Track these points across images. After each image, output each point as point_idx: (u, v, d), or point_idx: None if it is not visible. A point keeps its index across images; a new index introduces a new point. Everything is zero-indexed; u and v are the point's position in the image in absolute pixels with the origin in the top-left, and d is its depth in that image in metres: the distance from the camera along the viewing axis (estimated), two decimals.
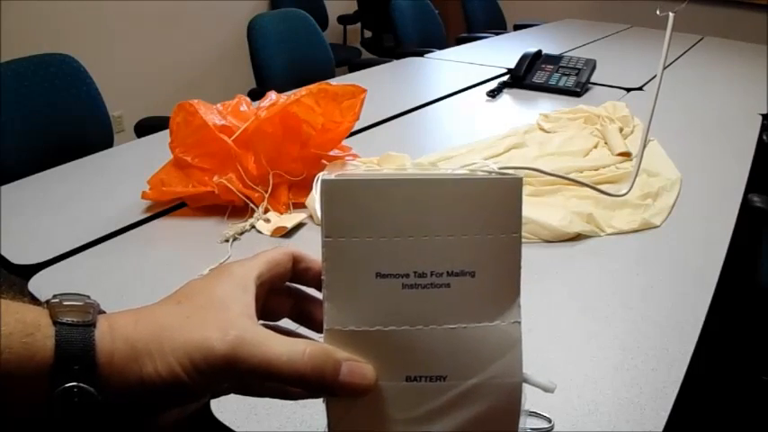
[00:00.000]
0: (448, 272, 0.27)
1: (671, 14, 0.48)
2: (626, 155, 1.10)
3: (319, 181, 0.27)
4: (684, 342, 0.63)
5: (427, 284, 0.27)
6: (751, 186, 1.05)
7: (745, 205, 1.00)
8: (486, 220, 0.27)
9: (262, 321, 0.29)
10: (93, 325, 0.24)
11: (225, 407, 0.54)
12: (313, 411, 0.53)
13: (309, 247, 0.34)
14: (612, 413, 0.54)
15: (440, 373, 0.27)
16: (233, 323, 0.26)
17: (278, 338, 0.26)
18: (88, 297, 0.26)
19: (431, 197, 0.27)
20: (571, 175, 1.00)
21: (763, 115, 1.41)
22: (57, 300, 0.25)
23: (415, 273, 0.27)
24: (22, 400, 0.23)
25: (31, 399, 0.23)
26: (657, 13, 0.49)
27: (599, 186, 0.97)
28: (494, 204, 0.27)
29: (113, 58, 2.58)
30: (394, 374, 0.27)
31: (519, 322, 0.28)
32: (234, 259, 0.77)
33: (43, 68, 1.30)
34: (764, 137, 1.29)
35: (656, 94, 0.43)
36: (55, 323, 0.24)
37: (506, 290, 0.27)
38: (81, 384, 0.23)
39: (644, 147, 0.40)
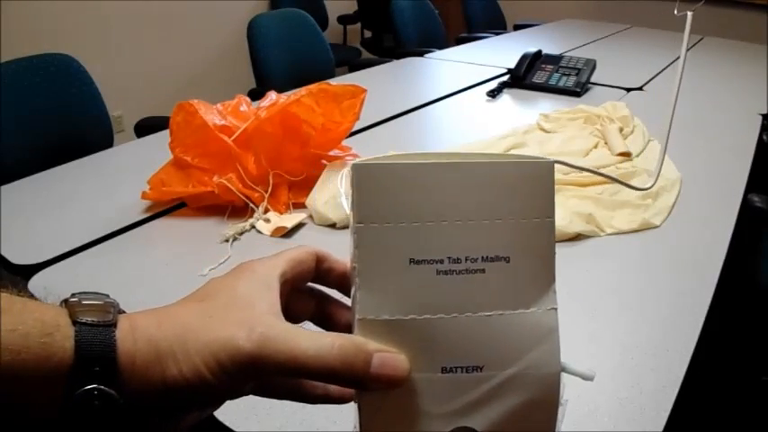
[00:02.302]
0: (483, 257, 0.26)
1: (689, 14, 0.48)
2: (626, 155, 1.10)
3: (350, 165, 0.26)
4: (684, 342, 0.63)
5: (462, 270, 0.26)
6: (751, 186, 1.05)
7: (745, 205, 1.00)
8: (519, 203, 0.27)
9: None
10: (114, 325, 0.24)
11: (225, 407, 0.54)
12: (313, 411, 0.53)
13: None
14: (612, 413, 0.54)
15: (476, 364, 0.26)
16: (258, 321, 0.25)
17: (305, 333, 0.25)
18: (107, 296, 0.25)
19: (463, 181, 0.26)
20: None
21: (763, 115, 1.41)
22: (75, 299, 0.24)
23: (449, 258, 0.26)
24: (39, 401, 0.22)
25: (49, 401, 0.22)
26: (675, 13, 0.49)
27: (604, 187, 0.97)
28: (527, 188, 0.27)
29: (113, 58, 2.58)
30: (429, 365, 0.26)
31: (555, 309, 0.27)
32: (234, 260, 0.77)
33: (43, 68, 1.30)
34: (764, 137, 1.29)
35: (676, 96, 0.43)
36: (74, 323, 0.23)
37: (542, 275, 0.27)
38: (102, 387, 0.22)
39: (667, 140, 0.40)
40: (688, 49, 0.40)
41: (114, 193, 0.95)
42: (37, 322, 0.22)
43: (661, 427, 0.52)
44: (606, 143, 1.16)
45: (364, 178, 0.26)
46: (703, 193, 0.99)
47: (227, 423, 0.52)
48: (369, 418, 0.26)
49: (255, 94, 1.64)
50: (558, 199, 0.94)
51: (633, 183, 1.00)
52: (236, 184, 0.86)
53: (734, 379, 1.11)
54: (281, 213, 0.87)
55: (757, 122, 1.36)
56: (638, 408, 0.55)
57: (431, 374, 0.26)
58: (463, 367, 0.26)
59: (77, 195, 0.96)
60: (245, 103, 0.97)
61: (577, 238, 0.84)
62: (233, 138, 0.88)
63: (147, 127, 1.41)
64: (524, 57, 1.65)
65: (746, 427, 1.05)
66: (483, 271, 0.26)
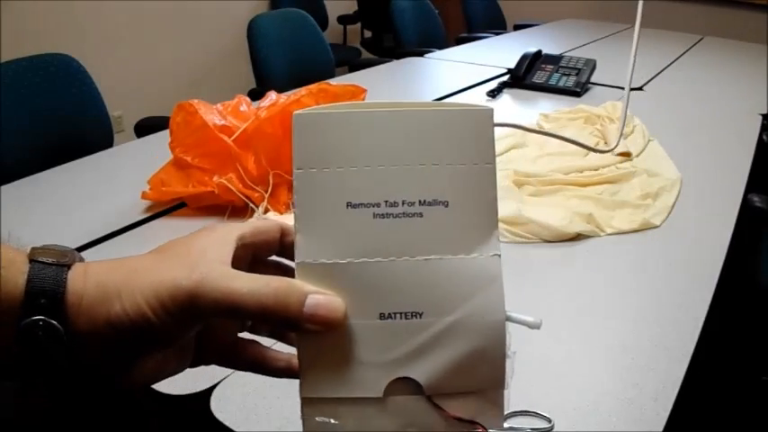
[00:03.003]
0: (420, 201, 0.26)
1: (640, 2, 0.49)
2: (626, 155, 1.10)
3: (293, 115, 0.27)
4: (684, 342, 0.63)
5: (399, 213, 0.26)
6: (751, 186, 1.05)
7: (745, 205, 1.00)
8: (458, 149, 0.27)
9: None
10: (67, 267, 0.25)
11: (225, 407, 0.54)
12: None
13: None
14: (612, 413, 0.54)
15: (415, 310, 0.26)
16: (202, 264, 0.25)
17: (244, 275, 0.25)
18: (73, 250, 0.26)
19: (402, 128, 0.27)
20: (573, 176, 1.00)
21: (763, 115, 1.41)
22: (41, 246, 0.26)
23: (386, 202, 0.26)
24: None
25: (3, 330, 0.23)
26: None
27: (604, 187, 0.97)
28: (466, 135, 0.27)
29: (113, 58, 2.58)
30: (367, 311, 0.26)
31: (498, 255, 0.26)
32: None
33: (43, 68, 1.30)
34: (764, 137, 1.29)
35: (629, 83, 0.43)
36: (31, 261, 0.24)
37: (483, 221, 0.27)
38: (46, 318, 0.23)
39: (627, 102, 0.40)
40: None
41: (114, 193, 0.95)
42: None
43: (661, 427, 0.52)
44: (606, 143, 1.16)
45: (303, 126, 0.27)
46: (703, 193, 0.99)
47: (227, 423, 0.52)
48: (307, 365, 0.26)
49: (255, 94, 1.64)
50: (558, 199, 0.94)
51: (633, 182, 1.00)
52: (236, 184, 0.86)
53: (734, 379, 1.11)
54: (281, 213, 0.87)
55: (757, 122, 1.36)
56: (638, 408, 0.55)
57: (369, 321, 0.26)
58: (402, 313, 0.26)
59: (77, 195, 0.96)
60: (245, 103, 0.97)
61: (577, 238, 0.84)
62: (233, 138, 0.88)
63: (147, 127, 1.41)
64: (524, 57, 1.65)
65: (746, 427, 1.05)
66: (421, 215, 0.26)
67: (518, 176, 0.98)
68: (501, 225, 0.85)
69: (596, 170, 1.04)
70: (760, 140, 1.26)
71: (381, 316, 0.26)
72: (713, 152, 1.19)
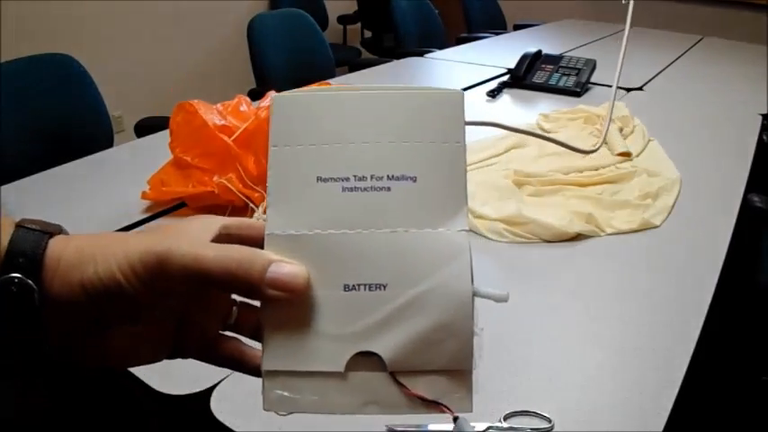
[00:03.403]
0: (388, 176, 0.27)
1: (631, 2, 0.49)
2: (626, 155, 1.10)
3: (272, 98, 0.28)
4: (684, 342, 0.63)
5: (367, 187, 0.27)
6: (751, 186, 1.05)
7: (745, 205, 1.00)
8: (427, 129, 0.27)
9: None
10: (50, 234, 0.26)
11: (225, 407, 0.54)
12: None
13: None
14: (612, 413, 0.54)
15: (379, 281, 0.26)
16: (177, 236, 0.27)
17: (213, 245, 0.26)
18: (62, 227, 0.28)
19: (373, 109, 0.28)
20: (570, 176, 1.00)
21: (763, 115, 1.41)
22: (32, 218, 0.27)
23: (354, 176, 0.27)
24: None
25: None
26: (622, 1, 0.50)
27: (604, 187, 0.98)
28: (436, 116, 0.28)
29: (113, 58, 2.58)
30: (331, 282, 0.26)
31: (466, 231, 0.27)
32: None
33: (43, 68, 1.30)
34: (764, 137, 1.29)
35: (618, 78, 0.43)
36: (17, 227, 0.26)
37: (451, 197, 0.27)
38: (21, 276, 0.24)
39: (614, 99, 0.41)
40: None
41: (114, 193, 0.95)
42: None
43: (661, 427, 0.52)
44: (606, 143, 1.16)
45: (280, 107, 0.28)
46: (703, 193, 0.99)
47: (226, 423, 0.52)
48: (269, 337, 0.26)
49: (255, 94, 1.64)
50: (558, 199, 0.94)
51: (633, 182, 1.00)
52: (236, 184, 0.86)
53: (734, 379, 1.11)
54: None
55: (757, 122, 1.36)
56: (638, 408, 0.55)
57: (333, 291, 0.26)
58: (366, 285, 0.26)
59: (77, 195, 0.96)
60: (245, 103, 0.97)
61: (577, 238, 0.84)
62: (233, 138, 0.88)
63: (147, 127, 1.41)
64: (524, 57, 1.65)
65: (746, 427, 1.05)
66: (388, 189, 0.27)
67: (518, 176, 0.98)
68: (501, 225, 0.85)
69: (596, 170, 1.04)
70: (760, 140, 1.26)
71: (345, 287, 0.26)
72: (713, 152, 1.19)
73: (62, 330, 0.26)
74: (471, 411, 0.26)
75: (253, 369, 0.30)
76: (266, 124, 0.88)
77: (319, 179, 0.27)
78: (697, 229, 0.88)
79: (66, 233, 0.28)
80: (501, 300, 0.27)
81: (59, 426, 0.22)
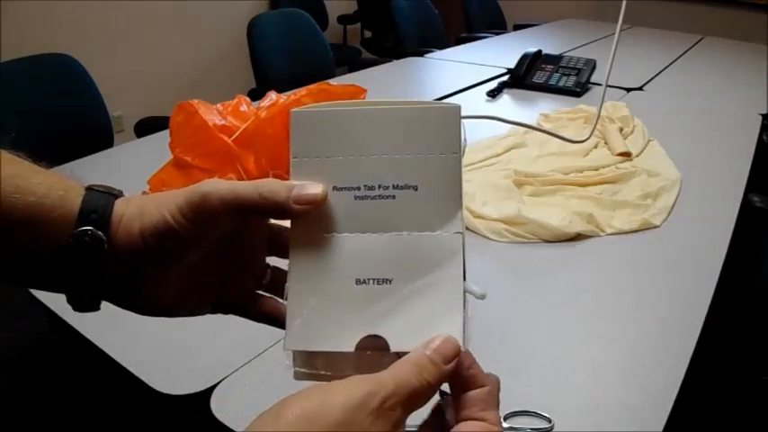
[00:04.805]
0: (393, 185, 0.31)
1: (624, 2, 0.50)
2: (626, 155, 1.10)
3: (291, 112, 0.32)
4: (684, 342, 0.63)
5: (375, 196, 0.31)
6: (751, 186, 1.05)
7: (745, 205, 1.00)
8: (427, 141, 0.31)
9: None
10: (116, 196, 0.31)
11: (225, 407, 0.54)
12: None
13: None
14: (612, 413, 0.54)
15: (386, 277, 0.30)
16: (217, 181, 0.31)
17: (247, 182, 0.31)
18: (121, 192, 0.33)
19: (380, 122, 0.31)
20: (570, 176, 1.00)
21: (763, 115, 1.41)
22: (95, 183, 0.32)
23: (365, 186, 0.31)
24: (53, 236, 0.29)
25: (61, 236, 0.29)
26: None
27: (604, 187, 0.98)
28: (435, 128, 0.31)
29: (113, 58, 2.58)
30: (346, 277, 0.31)
31: (460, 233, 0.31)
32: None
33: (43, 68, 1.30)
34: (764, 137, 1.29)
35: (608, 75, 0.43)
36: (87, 189, 0.31)
37: (448, 203, 0.31)
38: (94, 229, 0.29)
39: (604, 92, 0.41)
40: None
41: None
42: (59, 181, 0.31)
43: (661, 427, 0.53)
44: (606, 143, 1.16)
45: (299, 122, 0.32)
46: (703, 193, 0.99)
47: (227, 423, 0.52)
48: (291, 321, 0.30)
49: (255, 94, 1.64)
50: (558, 199, 0.94)
51: (633, 182, 1.00)
52: None
53: (734, 379, 1.11)
54: None
55: (757, 122, 1.36)
56: (638, 408, 0.55)
57: (346, 285, 0.31)
58: (375, 279, 0.30)
59: None
60: (245, 103, 0.97)
61: (577, 238, 0.84)
62: (233, 138, 0.88)
63: (147, 127, 1.41)
64: (524, 57, 1.65)
65: (746, 427, 1.05)
66: (394, 197, 0.31)
67: (518, 176, 0.98)
68: (501, 225, 0.85)
69: (596, 170, 1.04)
70: (760, 140, 1.26)
71: (357, 281, 0.31)
72: (713, 152, 1.19)
73: (123, 274, 0.30)
74: None
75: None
76: (266, 124, 0.89)
77: (335, 188, 0.31)
78: (697, 229, 0.88)
79: (124, 196, 0.33)
80: (479, 297, 0.31)
81: (60, 425, 0.23)
